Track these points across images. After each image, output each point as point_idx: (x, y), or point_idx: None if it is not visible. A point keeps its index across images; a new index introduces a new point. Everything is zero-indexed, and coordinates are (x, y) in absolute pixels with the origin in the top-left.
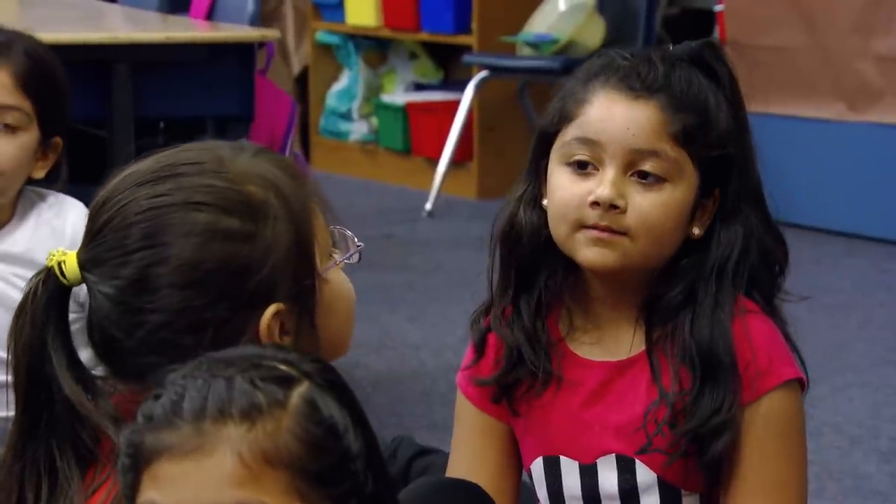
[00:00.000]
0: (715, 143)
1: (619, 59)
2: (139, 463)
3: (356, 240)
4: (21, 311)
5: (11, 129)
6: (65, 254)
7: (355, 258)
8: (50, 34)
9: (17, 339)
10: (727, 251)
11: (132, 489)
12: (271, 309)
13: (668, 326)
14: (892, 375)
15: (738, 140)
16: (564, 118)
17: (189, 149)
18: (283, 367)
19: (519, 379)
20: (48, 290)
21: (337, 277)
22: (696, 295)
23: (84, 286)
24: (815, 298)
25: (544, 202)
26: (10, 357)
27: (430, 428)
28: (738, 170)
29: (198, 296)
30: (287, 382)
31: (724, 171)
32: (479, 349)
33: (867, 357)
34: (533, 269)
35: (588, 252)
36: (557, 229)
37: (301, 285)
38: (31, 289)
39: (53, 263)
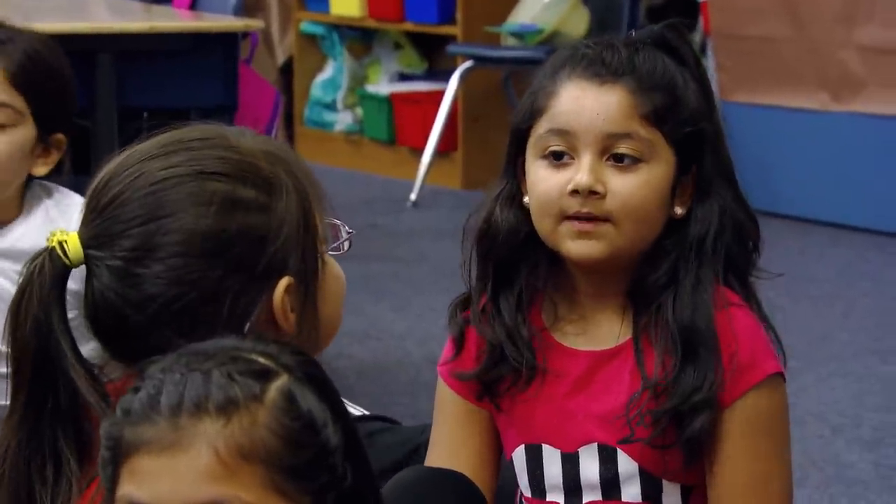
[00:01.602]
0: (686, 121)
1: (582, 49)
2: (118, 457)
3: (346, 227)
4: (23, 292)
5: (2, 125)
6: (65, 233)
7: (346, 245)
8: (33, 24)
9: (22, 320)
10: (704, 228)
11: (112, 482)
12: (284, 282)
13: (652, 309)
14: (875, 364)
15: (709, 117)
16: (536, 113)
17: (191, 128)
18: (261, 359)
19: (501, 375)
20: (50, 271)
21: (331, 261)
22: (677, 275)
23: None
24: (798, 288)
25: (525, 200)
26: (10, 339)
27: (415, 418)
28: (711, 146)
29: (215, 265)
30: (265, 376)
31: (698, 148)
32: (459, 343)
33: (850, 346)
34: (512, 266)
35: (573, 245)
36: (541, 223)
37: (306, 263)
38: (34, 269)
39: (54, 243)
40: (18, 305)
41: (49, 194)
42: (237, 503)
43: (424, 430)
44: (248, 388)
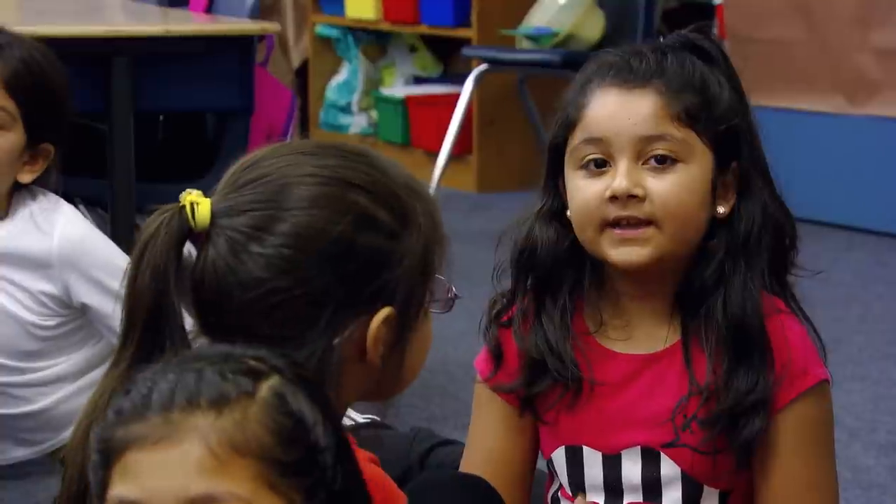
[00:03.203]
0: (720, 118)
1: (609, 58)
2: (109, 458)
3: (454, 290)
4: (147, 242)
5: None
6: (200, 196)
7: (448, 305)
8: (49, 27)
9: (143, 269)
10: (749, 226)
11: (102, 486)
12: (385, 311)
13: (702, 312)
14: (891, 369)
15: (742, 114)
16: (569, 126)
17: (347, 143)
18: (252, 362)
19: (544, 389)
20: (176, 227)
21: (429, 320)
22: (725, 275)
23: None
24: (814, 291)
25: (568, 213)
26: (128, 288)
27: (428, 421)
28: (747, 143)
29: (329, 271)
30: (256, 375)
31: (734, 146)
32: (497, 355)
33: (866, 350)
34: (554, 281)
35: (617, 252)
36: (583, 233)
37: (411, 304)
38: (161, 221)
39: (186, 202)
40: (141, 254)
41: (34, 198)
42: (229, 498)
43: (416, 438)
44: (240, 385)
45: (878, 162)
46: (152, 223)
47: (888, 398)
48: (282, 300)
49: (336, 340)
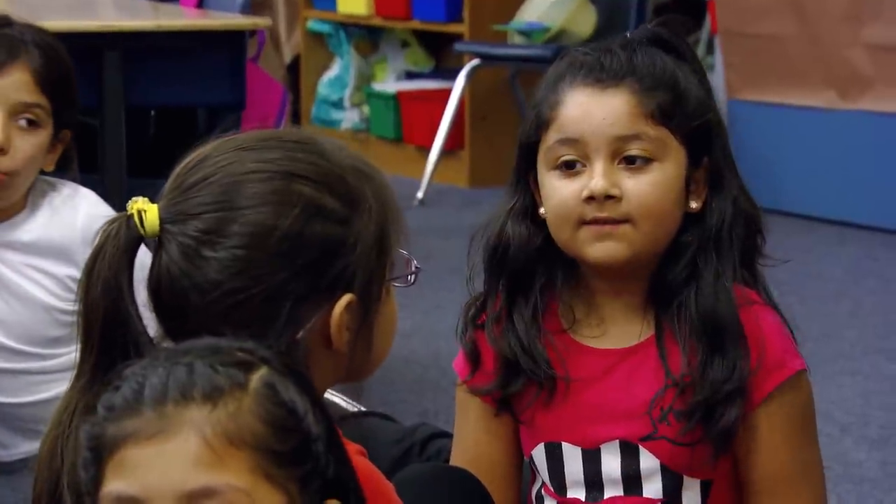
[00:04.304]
0: (692, 114)
1: (580, 56)
2: (101, 455)
3: (415, 263)
4: (97, 254)
5: (34, 125)
6: (147, 203)
7: (412, 279)
8: (41, 22)
9: (94, 282)
10: (721, 219)
11: (94, 483)
12: (346, 298)
13: (675, 305)
14: (883, 363)
15: (712, 109)
16: (542, 125)
17: (290, 131)
18: (241, 354)
19: (521, 389)
20: (124, 236)
21: (393, 296)
22: (697, 268)
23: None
24: (805, 286)
25: (541, 211)
26: (81, 301)
27: (421, 416)
28: (718, 138)
29: (283, 266)
30: (246, 367)
31: (706, 141)
32: (473, 359)
33: (858, 345)
34: (526, 280)
35: (593, 249)
36: (559, 232)
37: (371, 286)
38: (108, 231)
39: (134, 211)
40: (92, 266)
41: (54, 188)
42: (228, 490)
43: (419, 429)
44: (232, 377)
45: (870, 157)
46: (102, 233)
47: (879, 393)
48: (239, 300)
49: (300, 334)
